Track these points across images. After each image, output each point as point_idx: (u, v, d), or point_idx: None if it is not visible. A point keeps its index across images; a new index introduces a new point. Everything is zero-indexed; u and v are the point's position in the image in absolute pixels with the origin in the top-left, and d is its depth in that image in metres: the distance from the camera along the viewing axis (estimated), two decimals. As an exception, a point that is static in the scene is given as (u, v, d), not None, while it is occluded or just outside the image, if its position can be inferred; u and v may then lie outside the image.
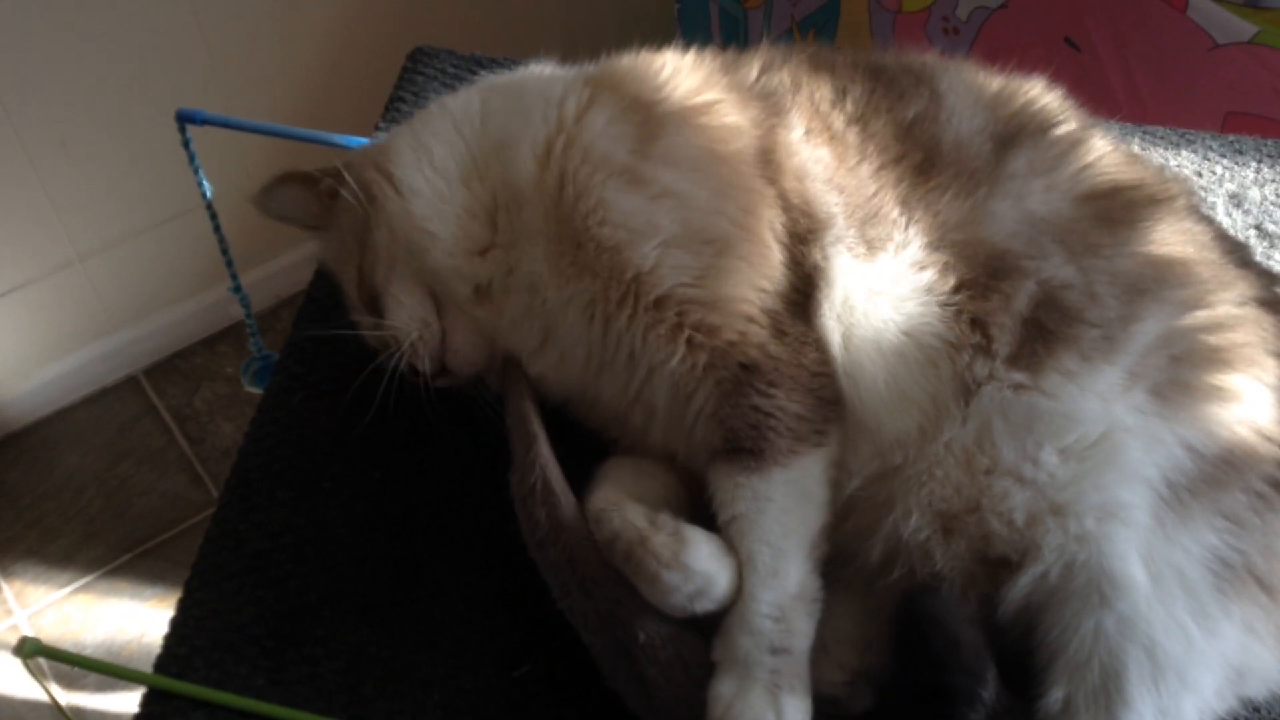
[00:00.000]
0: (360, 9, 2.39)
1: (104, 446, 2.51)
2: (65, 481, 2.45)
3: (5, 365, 2.46)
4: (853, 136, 1.04)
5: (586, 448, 1.06)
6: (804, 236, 1.00)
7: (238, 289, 1.61)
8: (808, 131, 1.04)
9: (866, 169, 1.02)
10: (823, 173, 1.02)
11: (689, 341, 0.98)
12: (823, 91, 1.06)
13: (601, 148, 1.00)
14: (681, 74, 1.07)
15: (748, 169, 1.01)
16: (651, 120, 1.02)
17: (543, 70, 1.16)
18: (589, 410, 1.08)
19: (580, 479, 1.01)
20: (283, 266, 2.63)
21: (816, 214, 1.01)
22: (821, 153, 1.03)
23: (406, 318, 1.06)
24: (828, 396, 0.98)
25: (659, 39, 2.93)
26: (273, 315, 2.64)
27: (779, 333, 0.98)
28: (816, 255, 1.00)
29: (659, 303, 0.98)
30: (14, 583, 2.31)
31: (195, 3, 2.17)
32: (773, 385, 0.97)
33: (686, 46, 2.63)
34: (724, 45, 2.46)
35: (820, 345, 0.99)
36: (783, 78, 1.07)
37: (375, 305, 1.08)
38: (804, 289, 1.00)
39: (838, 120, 1.05)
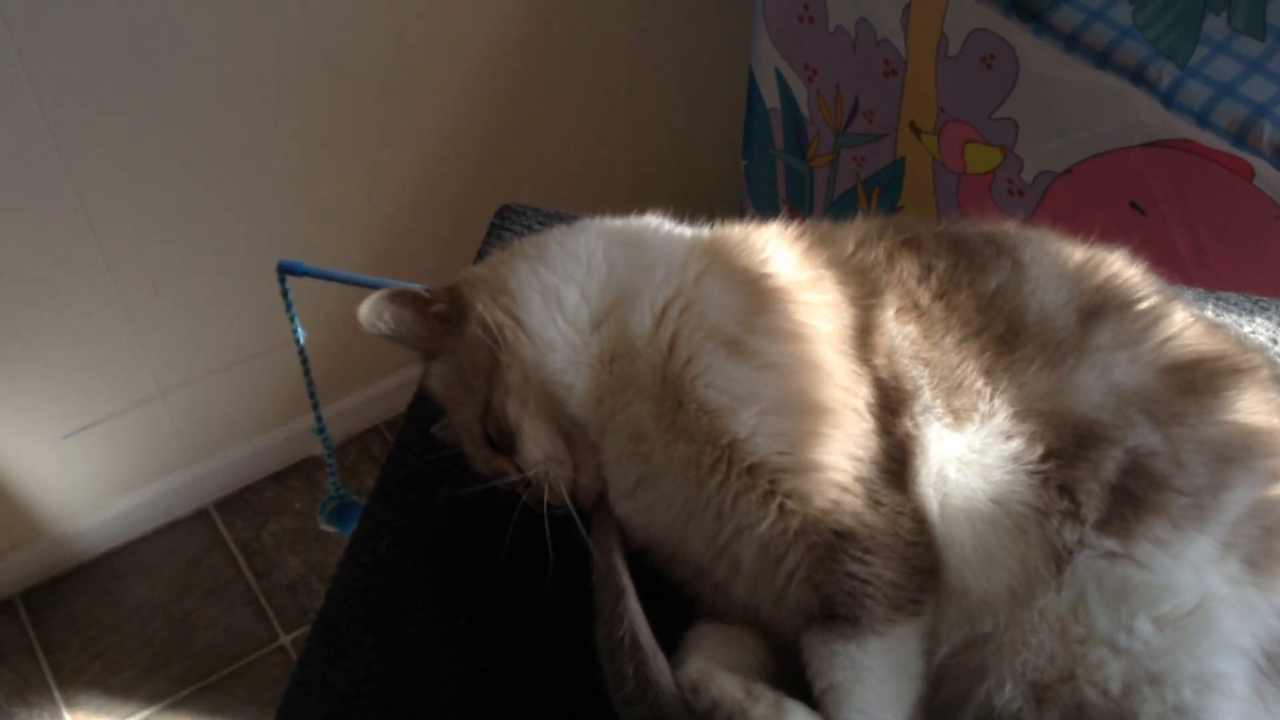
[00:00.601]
0: (444, 167, 2.50)
1: (171, 579, 2.54)
2: (131, 613, 2.48)
3: (81, 496, 2.52)
4: (938, 311, 1.07)
5: (669, 609, 1.08)
6: (894, 408, 1.03)
7: (322, 430, 1.66)
8: (899, 310, 1.07)
9: (950, 341, 1.05)
10: (910, 348, 1.05)
11: (780, 508, 1.00)
12: (910, 268, 1.10)
13: (713, 316, 1.05)
14: (786, 247, 1.12)
15: (845, 345, 1.05)
16: (760, 293, 1.07)
17: (659, 226, 1.20)
18: (670, 558, 1.09)
19: (661, 639, 1.02)
20: (353, 404, 2.70)
21: (904, 387, 1.04)
22: (910, 329, 1.06)
23: (542, 456, 1.08)
24: (923, 566, 0.99)
25: (727, 195, 3.04)
26: (340, 452, 2.70)
27: (874, 502, 1.00)
28: (908, 424, 1.02)
29: (752, 469, 1.00)
30: (77, 713, 2.32)
31: (289, 155, 2.28)
32: (868, 553, 0.99)
33: (753, 204, 2.71)
34: (789, 202, 2.55)
35: (916, 515, 1.00)
36: (878, 253, 1.11)
37: (506, 440, 1.10)
38: (899, 458, 1.02)
39: (924, 296, 1.08)
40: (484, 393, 1.10)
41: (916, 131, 2.15)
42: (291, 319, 1.53)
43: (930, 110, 2.09)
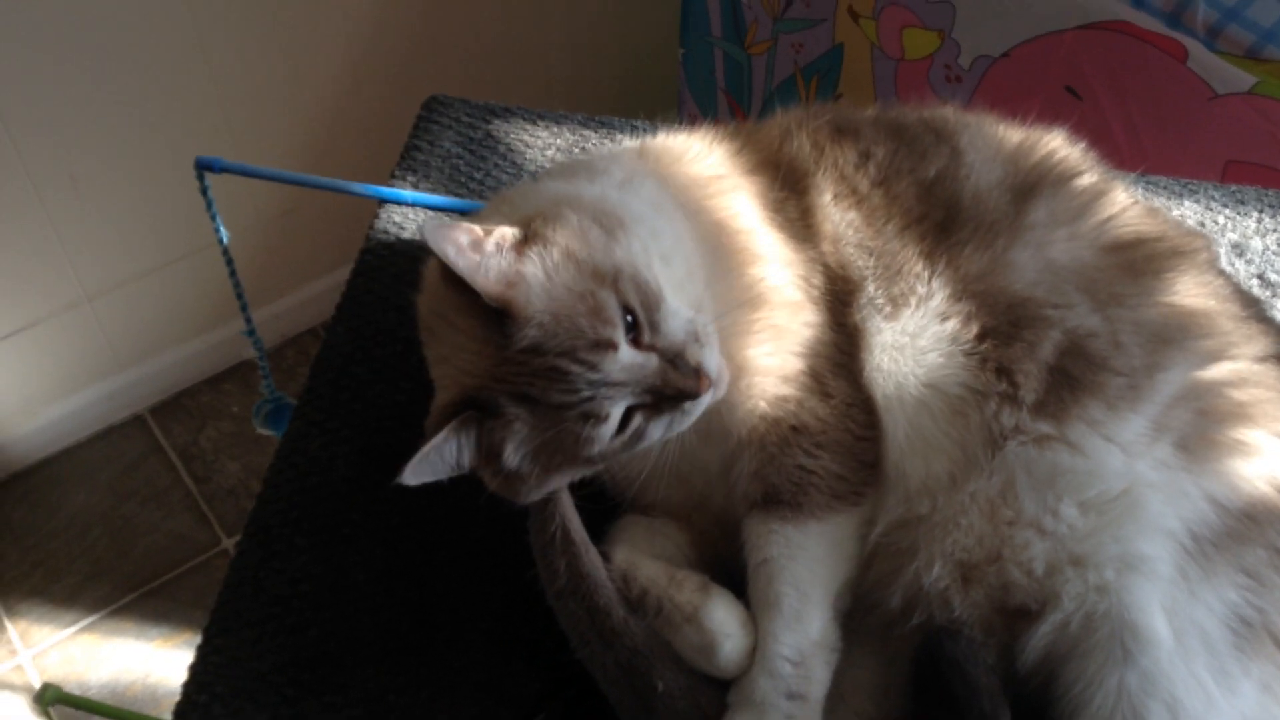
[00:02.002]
0: (370, 58, 2.42)
1: (109, 485, 2.52)
2: (70, 521, 2.46)
3: (11, 404, 2.47)
4: (879, 198, 1.06)
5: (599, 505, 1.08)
6: (844, 299, 1.03)
7: (252, 332, 1.62)
8: (835, 195, 1.07)
9: (892, 229, 1.05)
10: (854, 236, 1.05)
11: (760, 413, 1.01)
12: (846, 154, 1.09)
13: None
14: (709, 149, 1.12)
15: (786, 235, 1.05)
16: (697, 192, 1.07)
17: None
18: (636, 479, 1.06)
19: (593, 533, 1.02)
20: (288, 307, 2.66)
21: (851, 276, 1.04)
22: (852, 215, 1.06)
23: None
24: (869, 460, 1.01)
25: (665, 84, 2.97)
26: (278, 354, 2.66)
27: (825, 395, 1.01)
28: (855, 317, 1.03)
29: (739, 370, 1.01)
30: (19, 622, 2.31)
31: (207, 49, 2.19)
32: (819, 447, 1.00)
33: (691, 94, 2.66)
34: (728, 92, 2.50)
35: (866, 407, 1.01)
36: (802, 142, 1.10)
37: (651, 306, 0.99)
38: (848, 350, 1.02)
39: (863, 183, 1.07)
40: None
41: (855, 16, 2.11)
42: (213, 218, 1.48)
43: (868, -7, 2.05)
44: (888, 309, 1.02)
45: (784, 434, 1.00)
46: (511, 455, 0.94)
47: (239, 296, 1.58)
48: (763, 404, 1.01)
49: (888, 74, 2.10)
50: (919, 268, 1.03)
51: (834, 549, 1.00)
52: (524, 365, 0.91)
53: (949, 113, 1.14)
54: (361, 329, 1.33)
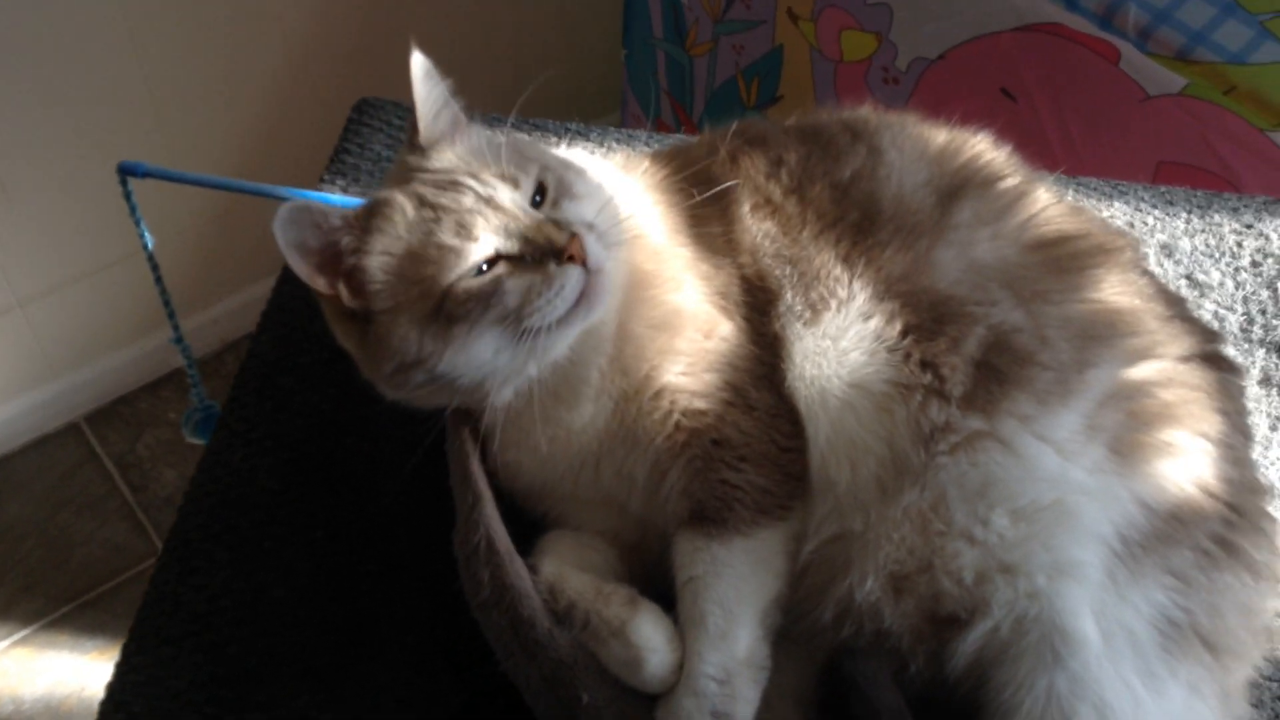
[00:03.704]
0: (307, 60, 2.38)
1: (44, 495, 2.46)
2: (4, 531, 2.40)
3: (-58, 413, 2.42)
4: (793, 206, 1.06)
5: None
6: (763, 309, 1.03)
7: (179, 340, 1.59)
8: (754, 206, 1.06)
9: (808, 234, 1.04)
10: (770, 246, 1.04)
11: (676, 424, 1.00)
12: (757, 164, 1.08)
13: None
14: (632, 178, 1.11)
15: (708, 253, 1.05)
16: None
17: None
18: (555, 493, 1.07)
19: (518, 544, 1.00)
20: (226, 311, 2.61)
21: (769, 286, 1.03)
22: (768, 226, 1.05)
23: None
24: (795, 471, 1.00)
25: (608, 86, 2.96)
26: (217, 359, 2.61)
27: (748, 407, 1.00)
28: (775, 326, 1.02)
29: (659, 393, 1.00)
30: (-49, 636, 2.26)
31: (139, 52, 2.15)
32: (743, 460, 0.99)
33: (634, 94, 2.65)
34: (670, 93, 2.50)
35: (791, 417, 1.00)
36: (722, 157, 1.09)
37: None
38: (769, 361, 1.01)
39: (776, 191, 1.07)
40: None
41: (794, 18, 2.11)
42: (137, 223, 1.45)
43: (807, -5, 2.05)
44: (807, 315, 1.01)
45: (706, 448, 0.99)
46: (378, 257, 0.97)
47: (166, 303, 1.54)
48: (677, 416, 1.00)
49: (827, 76, 2.10)
50: (837, 271, 1.02)
51: (761, 565, 0.98)
52: (432, 175, 0.99)
53: (868, 113, 1.14)
54: (288, 336, 1.31)
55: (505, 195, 0.98)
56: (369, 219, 0.98)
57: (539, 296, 0.94)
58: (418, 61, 1.02)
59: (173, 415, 2.56)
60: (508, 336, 0.95)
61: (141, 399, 2.60)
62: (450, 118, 1.04)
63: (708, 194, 1.05)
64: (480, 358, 0.96)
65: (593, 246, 0.95)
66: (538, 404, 1.00)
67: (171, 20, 2.16)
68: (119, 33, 2.11)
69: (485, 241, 0.96)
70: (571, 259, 0.94)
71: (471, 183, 0.97)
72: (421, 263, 0.96)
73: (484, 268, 0.96)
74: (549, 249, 0.95)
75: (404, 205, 0.98)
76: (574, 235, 0.94)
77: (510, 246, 0.96)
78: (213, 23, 2.22)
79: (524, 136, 1.08)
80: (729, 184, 1.06)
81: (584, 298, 0.95)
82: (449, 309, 0.95)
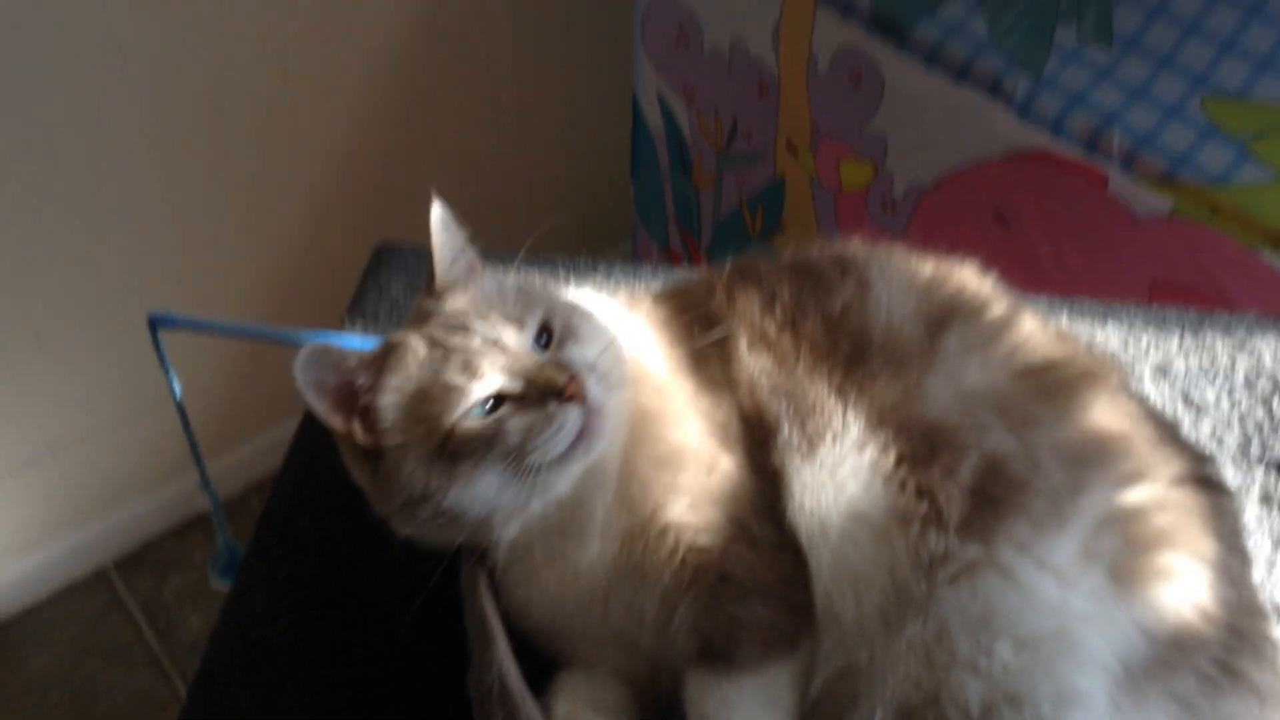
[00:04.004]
0: (330, 207, 2.48)
1: (70, 644, 2.48)
2: (30, 684, 2.41)
3: (-28, 564, 2.45)
4: (787, 341, 1.09)
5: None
6: (762, 443, 1.05)
7: (206, 484, 1.63)
8: (750, 343, 1.09)
9: (802, 369, 1.07)
10: (767, 382, 1.07)
11: (682, 561, 1.02)
12: (751, 299, 1.11)
13: None
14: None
15: (710, 390, 1.08)
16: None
17: None
18: (566, 629, 1.08)
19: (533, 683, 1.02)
20: (252, 453, 2.66)
21: (767, 421, 1.05)
22: (764, 362, 1.08)
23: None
24: (799, 604, 1.00)
25: (618, 219, 3.04)
26: (241, 502, 2.65)
27: (751, 541, 1.02)
28: (775, 459, 1.04)
29: (664, 530, 1.02)
30: (-24, 792, 2.25)
31: (170, 204, 2.25)
32: (748, 594, 1.00)
33: (643, 226, 2.73)
34: (679, 223, 2.57)
35: (794, 549, 1.01)
36: (720, 294, 1.13)
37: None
38: (770, 494, 1.03)
39: (770, 327, 1.10)
40: None
41: (793, 150, 2.19)
42: (166, 372, 1.50)
43: (805, 128, 2.13)
44: (804, 448, 1.03)
45: (712, 583, 1.01)
46: (390, 395, 1.01)
47: (193, 449, 1.59)
48: (683, 552, 1.01)
49: (828, 205, 2.17)
50: (831, 403, 1.04)
51: (770, 702, 0.99)
52: (444, 318, 1.04)
53: (856, 246, 1.18)
54: (309, 479, 1.34)
55: (510, 337, 1.02)
56: (384, 359, 1.03)
57: (539, 434, 0.97)
58: (436, 212, 1.08)
59: (198, 559, 2.59)
60: (510, 473, 0.98)
61: (167, 544, 2.64)
62: (465, 264, 1.10)
63: (708, 337, 1.09)
64: (484, 494, 0.99)
65: (592, 386, 0.99)
66: (545, 542, 1.03)
67: (201, 174, 2.26)
68: (149, 184, 2.21)
69: (489, 380, 1.00)
70: (571, 398, 0.98)
71: (479, 325, 1.02)
72: (429, 400, 1.00)
73: (488, 407, 1.00)
74: (549, 389, 0.98)
75: (416, 346, 1.02)
76: (573, 376, 0.98)
77: (513, 386, 1.00)
78: (239, 176, 2.32)
79: (535, 279, 1.12)
80: (723, 330, 1.09)
81: (583, 435, 0.99)
82: (454, 446, 0.98)
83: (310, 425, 1.41)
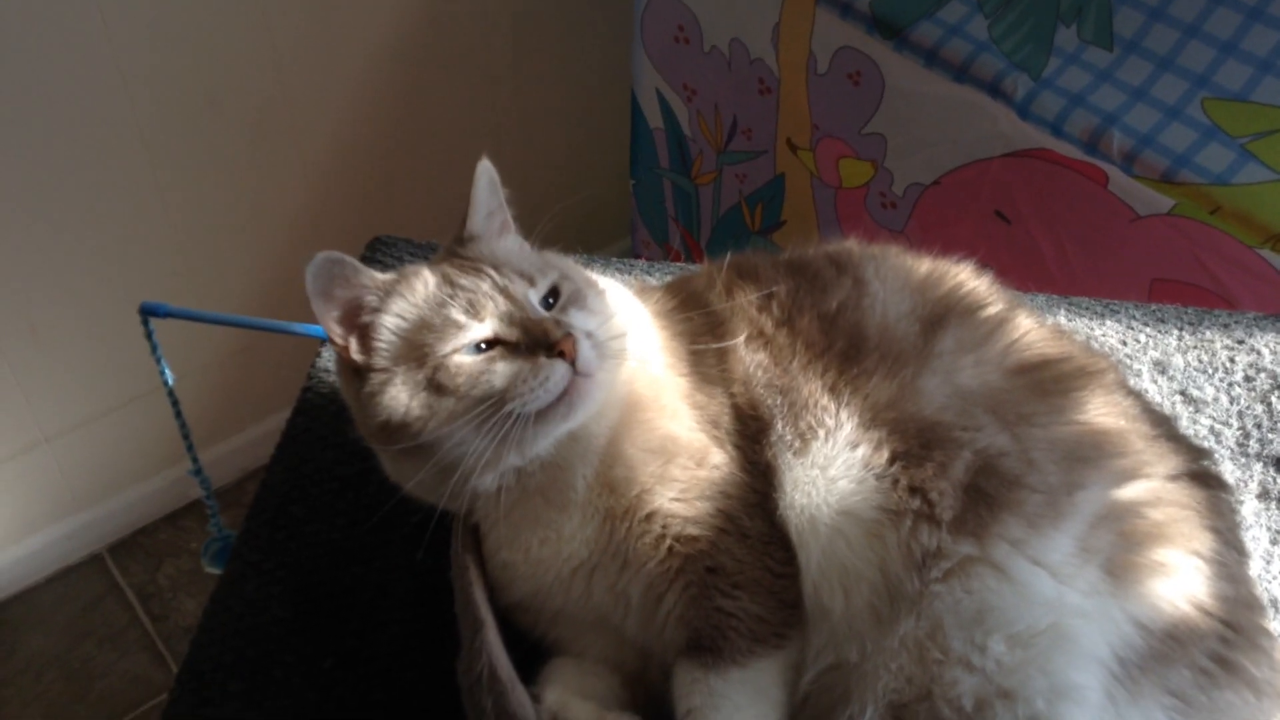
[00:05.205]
0: (326, 200, 2.48)
1: (66, 627, 2.48)
2: (26, 665, 2.41)
3: (-31, 549, 2.45)
4: (783, 337, 1.09)
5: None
6: (755, 438, 1.05)
7: (198, 472, 1.63)
8: (748, 338, 1.09)
9: (797, 365, 1.07)
10: (763, 376, 1.07)
11: (669, 549, 1.02)
12: (749, 296, 1.12)
13: None
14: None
15: (705, 384, 1.08)
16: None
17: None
18: (553, 608, 1.08)
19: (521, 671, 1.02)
20: (247, 440, 2.66)
21: (762, 415, 1.06)
22: (760, 357, 1.08)
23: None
24: (789, 599, 1.01)
25: (618, 214, 3.04)
26: (237, 488, 2.65)
27: (742, 535, 1.02)
28: (767, 455, 1.04)
29: (650, 516, 1.03)
30: (-31, 773, 2.26)
31: (164, 197, 2.25)
32: (737, 587, 1.00)
33: (643, 222, 2.73)
34: (678, 219, 2.57)
35: (784, 544, 1.02)
36: (719, 289, 1.14)
37: None
38: (762, 489, 1.04)
39: (768, 324, 1.10)
40: None
41: (793, 148, 2.18)
42: (158, 361, 1.50)
43: (805, 127, 2.12)
44: (796, 444, 1.03)
45: (701, 575, 1.01)
46: (392, 318, 1.04)
47: (185, 438, 1.59)
48: (670, 541, 1.02)
49: (828, 201, 2.17)
50: (825, 400, 1.04)
51: (758, 697, 0.99)
52: (463, 260, 1.07)
53: (853, 245, 1.18)
54: (300, 467, 1.34)
55: (519, 289, 1.04)
56: (395, 284, 1.06)
57: (523, 384, 0.98)
58: (483, 165, 1.13)
59: (193, 545, 2.59)
60: (488, 416, 0.98)
61: (162, 530, 2.64)
62: (500, 222, 1.14)
63: (711, 346, 1.10)
64: (460, 432, 0.99)
65: (585, 350, 1.00)
66: (527, 503, 1.04)
67: (196, 168, 2.26)
68: (146, 178, 2.21)
69: (488, 323, 1.02)
70: (562, 355, 0.99)
71: (492, 272, 1.05)
72: (428, 330, 1.02)
73: (482, 348, 1.01)
74: (543, 341, 1.00)
75: (429, 278, 1.06)
76: (568, 334, 1.00)
77: (509, 333, 1.02)
78: (234, 167, 2.32)
79: (560, 255, 1.15)
80: (728, 343, 1.10)
81: (566, 396, 0.99)
82: (440, 379, 1.00)
83: (301, 415, 1.41)
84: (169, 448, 2.54)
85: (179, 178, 2.25)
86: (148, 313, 1.47)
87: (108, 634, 2.48)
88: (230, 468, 2.64)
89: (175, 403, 1.55)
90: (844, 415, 1.04)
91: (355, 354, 1.04)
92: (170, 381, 1.52)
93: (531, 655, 1.07)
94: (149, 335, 1.49)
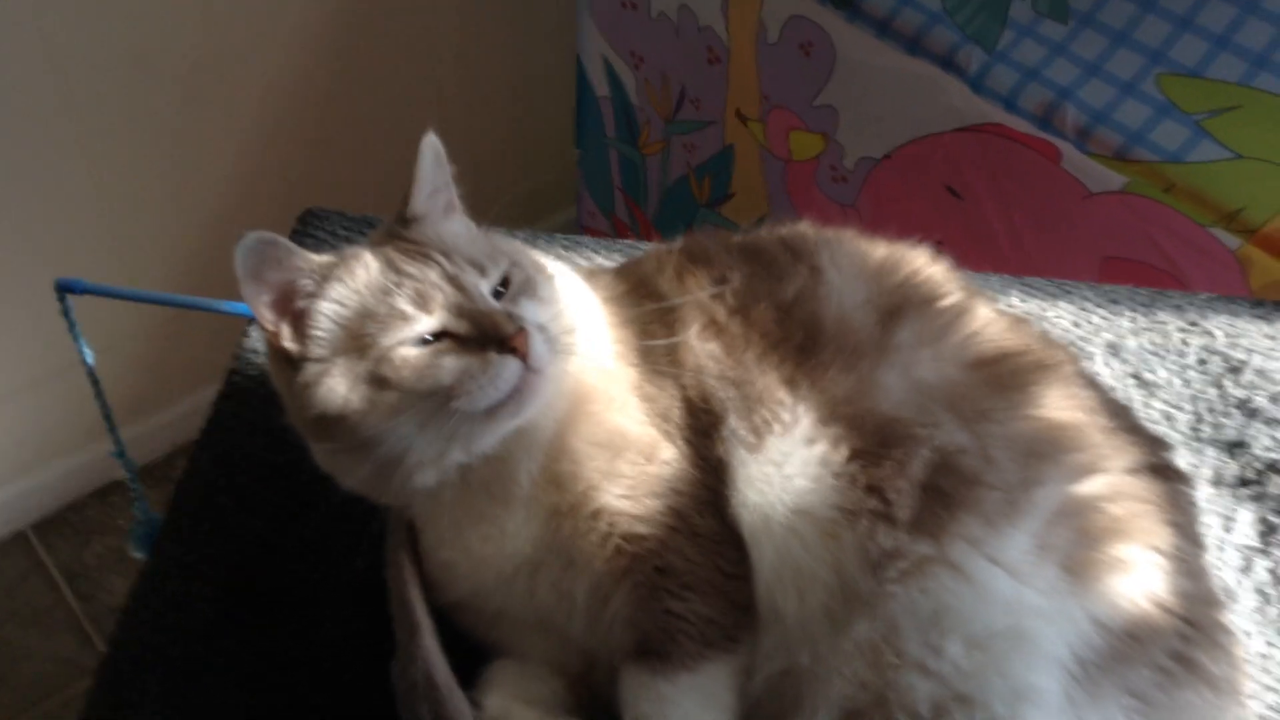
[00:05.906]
0: (258, 171, 2.38)
1: (-12, 608, 2.40)
2: (-52, 648, 2.34)
3: (-117, 526, 2.36)
4: (737, 326, 1.04)
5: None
6: (706, 431, 1.01)
7: (121, 453, 1.57)
8: (701, 327, 1.05)
9: (751, 356, 1.03)
10: (715, 368, 1.03)
11: (616, 549, 0.98)
12: (701, 282, 1.07)
13: None
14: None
15: (653, 376, 1.04)
16: None
17: None
18: (493, 607, 1.04)
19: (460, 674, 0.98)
20: (176, 415, 2.57)
21: (714, 409, 1.01)
22: (712, 347, 1.04)
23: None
24: (740, 601, 0.97)
25: (564, 185, 2.98)
26: (167, 463, 2.57)
27: (692, 533, 0.98)
28: (719, 450, 1.00)
29: (596, 513, 0.98)
30: (-114, 763, 2.18)
31: (90, 165, 2.15)
32: (687, 588, 0.96)
33: (589, 193, 2.68)
34: (624, 191, 2.52)
35: (736, 544, 0.98)
36: (669, 274, 1.09)
37: None
38: (713, 486, 1.00)
39: (721, 312, 1.05)
40: None
41: (743, 119, 2.14)
42: (76, 339, 1.44)
43: (754, 98, 2.08)
44: (750, 439, 0.99)
45: (650, 575, 0.97)
46: (330, 305, 0.97)
47: (106, 417, 1.53)
48: (617, 540, 0.97)
49: (777, 174, 2.13)
50: (781, 394, 1.00)
51: (708, 702, 0.95)
52: (407, 244, 1.00)
53: (807, 229, 1.14)
54: (227, 454, 1.28)
55: (469, 279, 0.98)
56: (334, 268, 0.99)
57: (472, 380, 0.93)
58: (429, 140, 1.05)
59: (121, 522, 2.51)
60: (433, 413, 0.93)
61: (89, 506, 2.55)
62: (444, 201, 1.07)
63: (661, 343, 1.05)
64: (402, 429, 0.94)
65: (538, 345, 0.95)
66: (468, 499, 0.99)
67: (120, 133, 2.16)
68: (66, 142, 2.10)
69: (436, 315, 0.96)
70: (514, 351, 0.93)
71: (441, 259, 0.99)
72: (371, 319, 0.96)
73: (428, 340, 0.95)
74: (494, 336, 0.94)
75: (370, 262, 0.99)
76: (521, 329, 0.94)
77: (459, 326, 0.96)
78: (162, 136, 2.22)
79: (506, 237, 1.08)
80: (677, 339, 1.05)
81: (516, 393, 0.94)
82: (383, 371, 0.94)
83: (227, 400, 1.35)
84: (97, 421, 2.44)
85: (101, 142, 2.14)
86: (65, 289, 1.40)
87: (32, 614, 2.39)
88: (160, 441, 2.55)
89: (96, 382, 1.49)
90: (801, 410, 1.00)
91: (288, 341, 0.98)
92: (90, 360, 1.45)
93: (472, 656, 1.02)
94: (66, 313, 1.42)
